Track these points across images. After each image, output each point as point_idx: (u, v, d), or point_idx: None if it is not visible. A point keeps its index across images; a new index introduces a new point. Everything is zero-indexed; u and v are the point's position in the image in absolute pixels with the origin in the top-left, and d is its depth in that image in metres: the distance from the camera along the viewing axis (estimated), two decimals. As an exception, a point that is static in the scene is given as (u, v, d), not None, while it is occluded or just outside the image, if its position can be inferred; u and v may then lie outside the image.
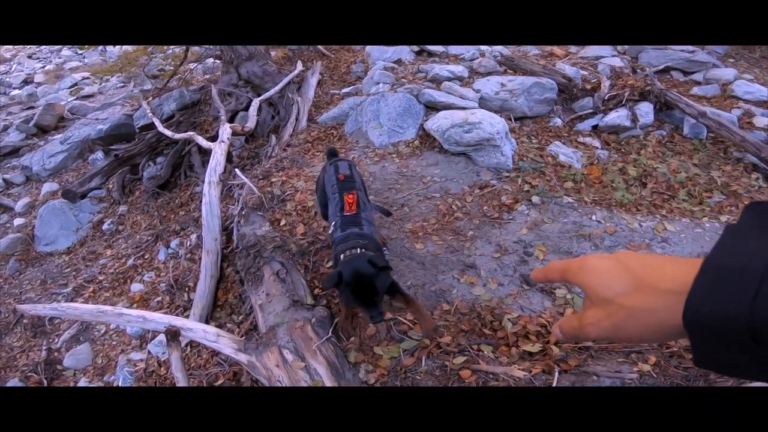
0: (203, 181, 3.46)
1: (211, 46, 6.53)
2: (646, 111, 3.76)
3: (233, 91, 5.29)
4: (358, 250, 1.78)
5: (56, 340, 3.51)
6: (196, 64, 6.78)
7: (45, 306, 2.86)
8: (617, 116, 3.74)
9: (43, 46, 12.35)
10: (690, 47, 4.57)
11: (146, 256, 4.09)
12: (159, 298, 3.41)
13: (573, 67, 4.41)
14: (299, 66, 5.60)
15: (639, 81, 4.05)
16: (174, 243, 3.95)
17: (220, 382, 2.42)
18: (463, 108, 3.76)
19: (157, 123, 4.92)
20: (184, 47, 5.76)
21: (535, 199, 2.95)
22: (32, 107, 8.32)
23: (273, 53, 6.46)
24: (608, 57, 4.71)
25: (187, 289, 3.27)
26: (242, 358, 2.12)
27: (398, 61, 5.00)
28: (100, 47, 10.99)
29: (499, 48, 4.81)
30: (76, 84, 9.37)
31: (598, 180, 3.22)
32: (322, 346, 2.01)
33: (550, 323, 2.01)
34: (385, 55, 5.19)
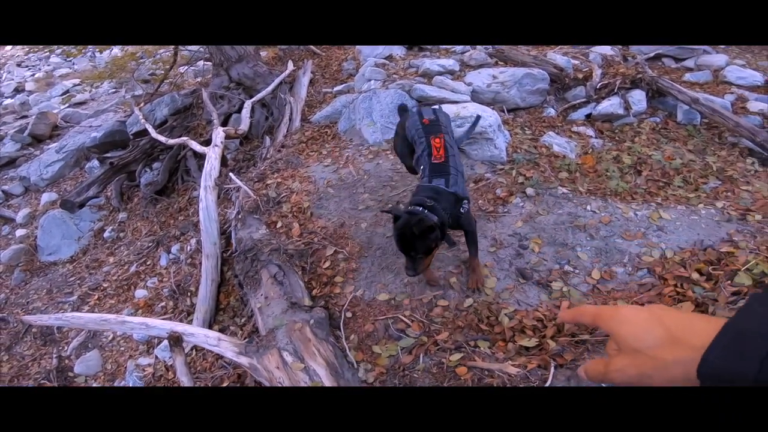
0: (200, 186, 3.47)
1: (201, 49, 6.51)
2: (638, 98, 3.76)
3: (225, 94, 5.27)
4: (419, 209, 1.91)
5: (66, 347, 3.58)
6: (186, 67, 6.75)
7: (50, 316, 2.90)
8: (610, 104, 3.74)
9: (31, 54, 12.30)
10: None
11: (148, 262, 4.12)
12: (163, 304, 3.45)
13: (564, 57, 4.40)
14: (290, 66, 5.58)
15: (630, 69, 4.04)
16: (175, 248, 3.98)
17: (224, 384, 2.46)
18: (456, 102, 3.76)
19: (150, 129, 4.92)
20: (172, 51, 5.73)
21: (530, 191, 2.96)
22: (26, 116, 8.32)
23: (263, 54, 6.43)
24: (599, 46, 4.69)
25: (189, 293, 3.31)
26: (243, 361, 2.16)
27: (389, 57, 4.98)
28: (89, 53, 10.92)
29: (490, 40, 4.80)
30: (67, 91, 9.35)
31: (592, 169, 3.22)
32: (321, 347, 2.04)
33: (546, 317, 2.04)
34: (376, 51, 5.17)
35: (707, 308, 1.97)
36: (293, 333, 2.12)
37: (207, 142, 3.97)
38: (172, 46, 5.86)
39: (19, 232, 5.35)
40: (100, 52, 10.37)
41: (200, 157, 4.37)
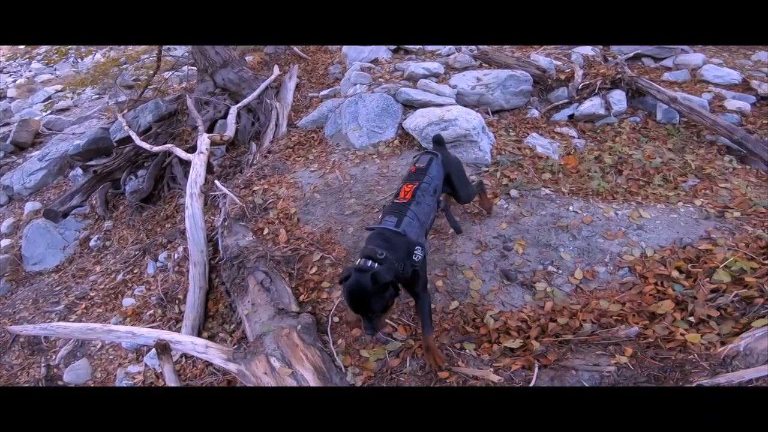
0: (186, 193, 3.46)
1: (185, 54, 6.45)
2: (618, 99, 3.83)
3: (210, 100, 5.24)
4: (369, 263, 1.71)
5: (54, 356, 3.54)
6: (170, 73, 6.69)
7: (35, 326, 2.88)
8: (591, 105, 3.81)
9: (12, 60, 12.08)
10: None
11: (135, 271, 4.09)
12: (151, 312, 3.43)
13: (547, 58, 4.46)
14: (276, 70, 5.57)
15: (610, 69, 4.11)
16: (162, 256, 3.96)
17: (213, 393, 2.46)
18: (440, 105, 3.79)
19: (134, 136, 4.88)
20: (156, 56, 5.68)
21: (514, 192, 3.00)
22: (8, 123, 8.17)
23: (249, 58, 6.40)
24: (581, 46, 4.77)
25: (177, 301, 3.30)
26: (232, 367, 2.16)
27: (375, 61, 5.01)
28: (71, 58, 10.76)
29: (474, 42, 4.85)
30: (49, 97, 9.20)
31: (575, 170, 3.28)
32: (309, 352, 2.05)
33: (530, 318, 2.07)
34: (362, 55, 5.19)
35: (687, 306, 2.02)
36: (281, 339, 2.12)
37: (192, 149, 3.96)
38: (155, 52, 5.80)
39: (4, 242, 5.28)
40: (82, 58, 10.21)
41: (186, 164, 4.35)
